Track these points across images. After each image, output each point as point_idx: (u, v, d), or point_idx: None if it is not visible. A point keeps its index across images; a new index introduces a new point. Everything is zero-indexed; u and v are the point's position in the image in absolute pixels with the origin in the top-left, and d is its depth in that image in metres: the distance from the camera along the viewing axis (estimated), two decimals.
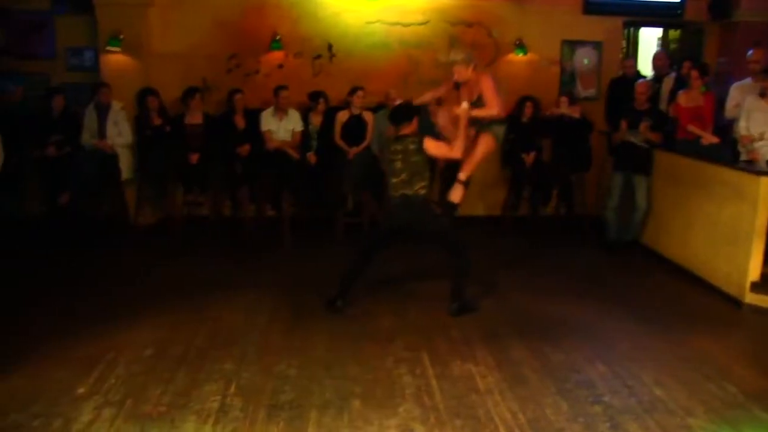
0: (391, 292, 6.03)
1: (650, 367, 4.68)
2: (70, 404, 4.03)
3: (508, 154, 8.43)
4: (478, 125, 5.69)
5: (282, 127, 8.04)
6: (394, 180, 5.46)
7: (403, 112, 5.54)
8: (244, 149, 7.96)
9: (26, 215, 8.04)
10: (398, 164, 5.42)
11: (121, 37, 8.12)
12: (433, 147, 5.46)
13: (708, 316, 5.78)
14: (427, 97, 5.91)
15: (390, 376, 4.48)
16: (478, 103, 5.58)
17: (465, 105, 5.47)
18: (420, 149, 5.41)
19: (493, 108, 5.53)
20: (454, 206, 5.85)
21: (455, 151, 5.52)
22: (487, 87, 5.55)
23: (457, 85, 5.70)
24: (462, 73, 5.59)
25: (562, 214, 8.55)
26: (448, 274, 5.68)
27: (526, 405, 4.12)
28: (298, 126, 8.09)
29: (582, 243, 8.03)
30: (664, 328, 5.39)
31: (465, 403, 4.14)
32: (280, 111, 8.02)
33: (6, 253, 7.09)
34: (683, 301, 6.14)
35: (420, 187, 5.43)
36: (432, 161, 6.13)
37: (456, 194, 5.82)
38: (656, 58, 8.49)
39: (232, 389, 4.25)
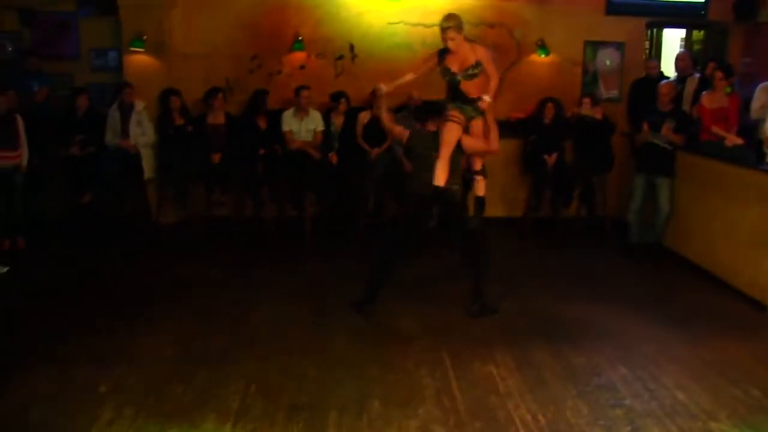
0: (412, 293, 6.01)
1: (672, 370, 4.64)
2: (92, 401, 4.06)
3: (529, 155, 8.39)
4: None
5: (303, 128, 8.07)
6: (426, 175, 5.28)
7: (429, 109, 5.44)
8: (277, 149, 8.05)
9: (51, 214, 8.13)
10: (433, 158, 5.26)
11: (145, 37, 8.20)
12: (470, 143, 5.36)
13: (731, 319, 5.71)
14: (408, 77, 5.46)
15: (410, 377, 4.48)
16: (466, 73, 5.25)
17: (487, 98, 5.20)
18: (457, 145, 5.31)
19: (495, 78, 5.27)
20: (482, 201, 5.78)
21: (492, 144, 5.45)
22: (486, 58, 5.24)
23: (442, 53, 5.35)
24: (456, 39, 5.20)
25: (583, 215, 8.49)
26: (469, 276, 5.65)
27: (546, 407, 4.10)
28: (320, 126, 8.12)
29: (604, 245, 7.98)
30: (687, 331, 5.34)
31: (485, 404, 4.13)
32: (302, 111, 8.05)
33: (30, 252, 7.19)
34: (706, 304, 6.07)
35: (454, 183, 5.34)
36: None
37: (480, 188, 5.75)
38: (679, 59, 8.40)
39: (253, 389, 4.26)
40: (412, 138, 5.59)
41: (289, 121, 8.08)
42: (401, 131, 5.66)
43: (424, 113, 5.49)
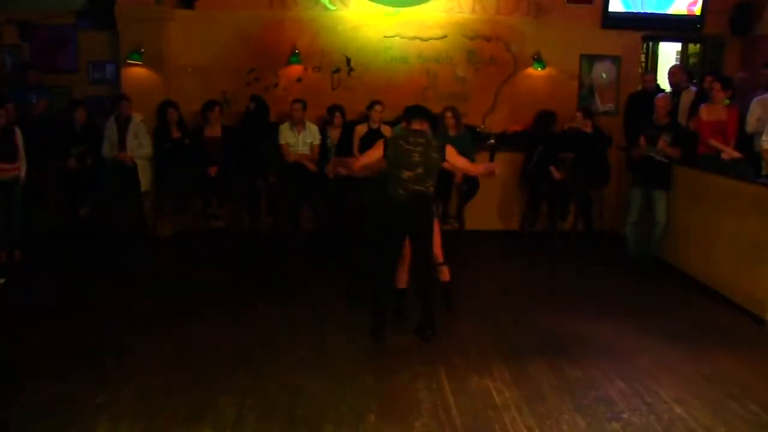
0: (408, 308, 5.99)
1: (670, 384, 4.61)
2: (88, 415, 4.04)
3: (535, 166, 8.27)
4: None
5: (300, 141, 8.09)
6: (407, 174, 5.14)
7: (420, 110, 5.39)
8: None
9: (48, 226, 8.12)
10: (416, 156, 5.14)
11: (142, 50, 8.22)
12: (453, 156, 5.34)
13: (730, 333, 5.69)
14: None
15: (406, 391, 4.46)
16: None
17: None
18: (441, 149, 5.24)
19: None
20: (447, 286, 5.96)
21: (476, 169, 5.63)
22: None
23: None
24: None
25: (580, 229, 8.48)
26: (440, 295, 5.60)
27: (543, 421, 4.08)
28: (317, 139, 8.13)
29: (600, 258, 7.95)
30: (685, 345, 5.32)
31: (481, 418, 4.11)
32: (298, 124, 8.07)
33: (27, 264, 7.17)
34: (704, 318, 6.05)
35: (430, 185, 5.25)
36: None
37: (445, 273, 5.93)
38: (672, 73, 8.39)
39: (248, 402, 4.24)
40: (393, 136, 5.47)
41: (286, 134, 8.09)
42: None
43: (416, 111, 5.37)
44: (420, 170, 5.17)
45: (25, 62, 8.54)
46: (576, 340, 5.37)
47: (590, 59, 9.04)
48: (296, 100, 8.10)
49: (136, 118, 8.03)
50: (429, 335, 5.30)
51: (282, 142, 8.08)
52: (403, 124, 5.45)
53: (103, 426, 3.92)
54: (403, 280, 5.68)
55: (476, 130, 8.66)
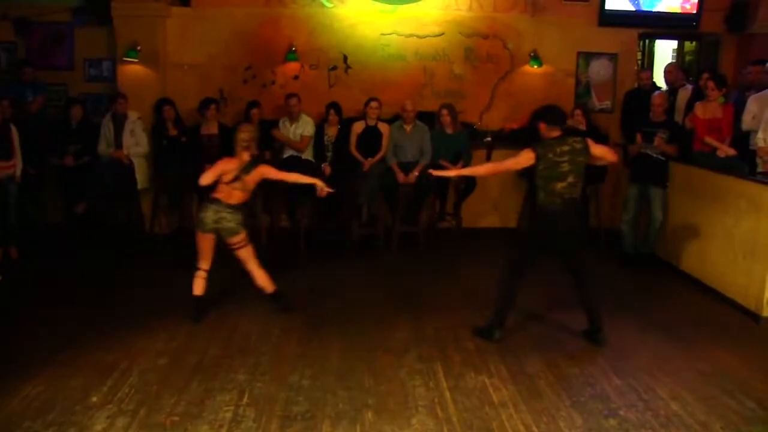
0: (406, 303, 6.01)
1: (667, 381, 4.63)
2: (84, 413, 4.04)
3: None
4: None
5: (292, 132, 8.07)
6: (560, 185, 5.03)
7: (555, 115, 5.18)
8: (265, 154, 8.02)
9: (45, 224, 8.12)
10: (565, 166, 5.01)
11: (139, 48, 8.21)
12: (597, 148, 5.17)
13: (725, 330, 5.71)
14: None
15: (404, 388, 4.46)
16: None
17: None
18: (585, 149, 5.09)
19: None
20: None
21: (614, 155, 5.40)
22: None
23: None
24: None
25: None
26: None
27: (539, 418, 4.09)
28: (306, 131, 8.06)
29: (597, 255, 7.94)
30: (681, 341, 5.34)
31: (478, 415, 4.12)
32: (293, 118, 8.06)
33: (23, 262, 7.16)
34: (700, 315, 6.06)
35: (581, 189, 5.18)
36: None
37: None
38: (667, 72, 8.39)
39: (246, 399, 4.25)
40: (541, 149, 5.08)
41: (283, 128, 8.09)
42: None
43: (559, 115, 5.23)
44: (571, 179, 5.07)
45: (20, 59, 8.53)
46: (572, 337, 5.38)
47: (587, 57, 9.04)
48: (291, 95, 8.08)
49: (133, 115, 8.01)
50: (601, 339, 5.24)
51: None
52: (543, 129, 5.18)
53: (100, 423, 3.92)
54: (200, 287, 5.70)
55: (473, 127, 8.66)
